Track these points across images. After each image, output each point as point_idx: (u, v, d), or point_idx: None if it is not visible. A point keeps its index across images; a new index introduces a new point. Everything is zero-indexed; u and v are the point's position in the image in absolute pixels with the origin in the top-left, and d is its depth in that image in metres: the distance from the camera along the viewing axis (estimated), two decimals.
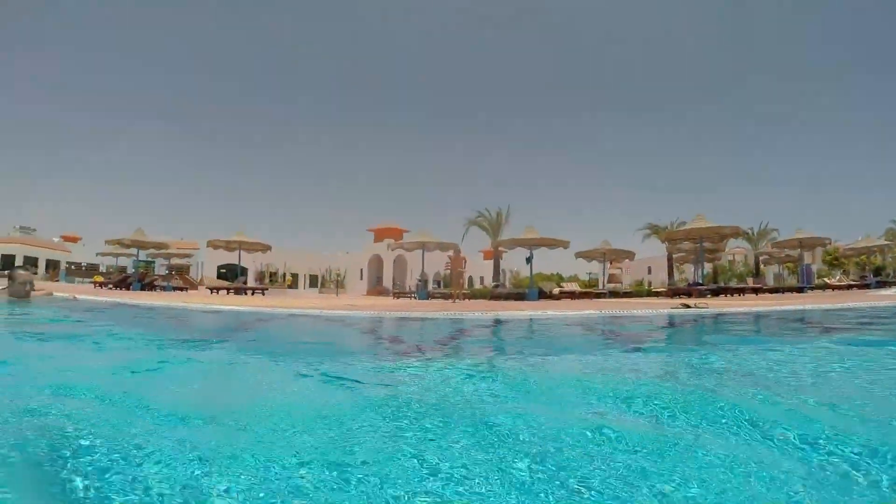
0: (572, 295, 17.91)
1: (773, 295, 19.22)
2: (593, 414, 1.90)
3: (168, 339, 5.11)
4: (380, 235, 35.42)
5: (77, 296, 10.32)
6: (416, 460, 1.31)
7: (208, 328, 6.78)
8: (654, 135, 52.41)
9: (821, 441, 1.46)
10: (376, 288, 30.45)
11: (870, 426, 1.69)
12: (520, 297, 17.19)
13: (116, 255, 29.50)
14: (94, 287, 22.88)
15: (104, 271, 34.48)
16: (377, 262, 35.96)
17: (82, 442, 1.40)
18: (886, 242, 25.29)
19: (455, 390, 2.37)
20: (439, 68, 53.17)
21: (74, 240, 40.24)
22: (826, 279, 23.37)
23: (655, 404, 1.99)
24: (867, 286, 21.18)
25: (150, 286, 21.52)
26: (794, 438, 1.47)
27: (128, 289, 20.45)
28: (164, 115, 51.86)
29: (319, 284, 34.53)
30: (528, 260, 17.06)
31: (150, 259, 30.13)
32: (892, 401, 2.16)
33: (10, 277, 7.09)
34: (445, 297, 17.80)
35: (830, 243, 22.61)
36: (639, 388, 2.46)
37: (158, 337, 5.24)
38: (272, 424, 1.64)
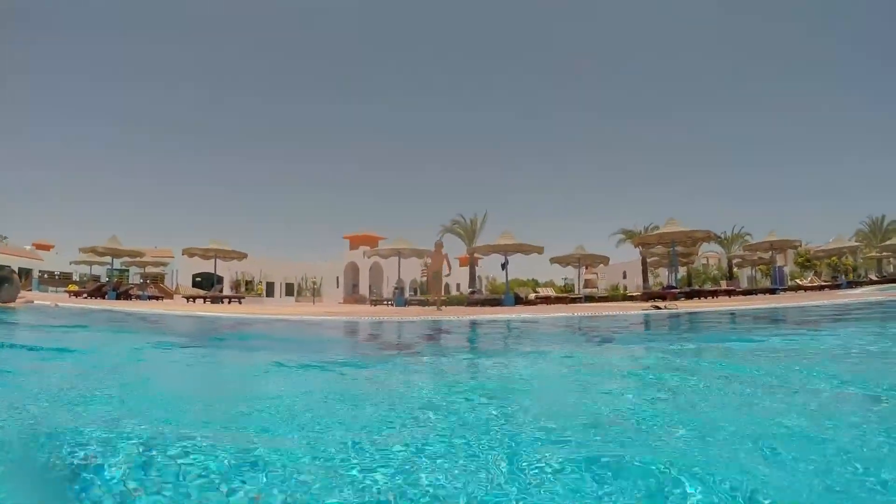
0: (548, 300, 18.01)
1: (746, 297, 19.54)
2: None
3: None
4: (355, 243, 35.12)
5: (58, 304, 10.11)
6: None
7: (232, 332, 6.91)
8: (628, 139, 53.08)
9: None
10: (353, 296, 30.19)
11: None
12: (496, 302, 17.23)
13: (90, 264, 28.81)
14: (70, 296, 22.28)
15: (77, 280, 33.67)
16: (353, 270, 35.61)
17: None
18: (856, 243, 25.93)
19: None
20: (414, 75, 53.25)
21: (47, 248, 39.24)
22: (798, 280, 23.86)
23: None
24: (838, 286, 21.71)
25: (125, 295, 21.09)
26: None
27: (103, 298, 19.99)
28: (136, 121, 51.05)
29: (296, 293, 34.05)
30: (504, 266, 17.10)
31: (124, 268, 29.52)
32: None
33: (6, 280, 6.69)
34: (423, 303, 17.74)
35: (801, 245, 23.10)
36: None
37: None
38: None
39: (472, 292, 19.29)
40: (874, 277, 25.17)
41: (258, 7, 45.64)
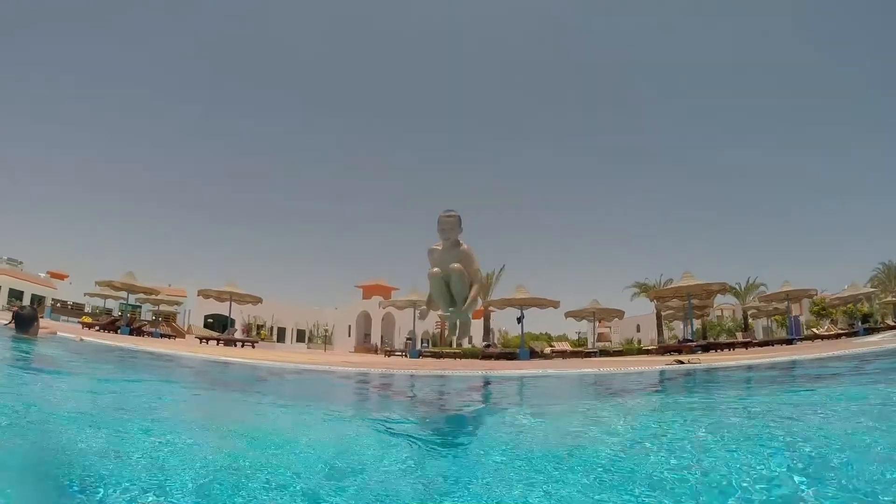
0: (563, 354, 17.88)
1: (763, 348, 19.29)
2: None
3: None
4: (368, 292, 35.33)
5: (83, 338, 10.00)
6: None
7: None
8: (641, 193, 53.38)
9: None
10: (364, 345, 30.19)
11: None
12: (511, 356, 17.11)
13: (104, 297, 29.06)
14: (83, 328, 22.41)
15: (89, 312, 33.89)
16: (365, 319, 35.79)
17: None
18: (872, 290, 25.65)
19: None
20: (426, 128, 54.32)
21: (62, 277, 39.68)
22: (815, 329, 23.54)
23: None
24: (855, 334, 21.38)
25: (138, 331, 21.18)
26: None
27: (115, 332, 20.07)
28: (156, 160, 52.34)
29: (307, 339, 34.02)
30: (520, 319, 17.06)
31: (137, 304, 29.75)
32: None
33: (29, 319, 6.52)
34: (436, 356, 17.66)
35: (817, 294, 22.90)
36: None
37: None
38: None
39: (487, 346, 19.21)
40: (891, 323, 24.80)
41: (286, 45, 47.05)
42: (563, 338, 24.95)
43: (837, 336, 21.58)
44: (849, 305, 26.44)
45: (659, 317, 21.79)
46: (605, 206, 54.84)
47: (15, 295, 35.85)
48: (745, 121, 46.64)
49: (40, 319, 7.22)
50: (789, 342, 20.93)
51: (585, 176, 53.24)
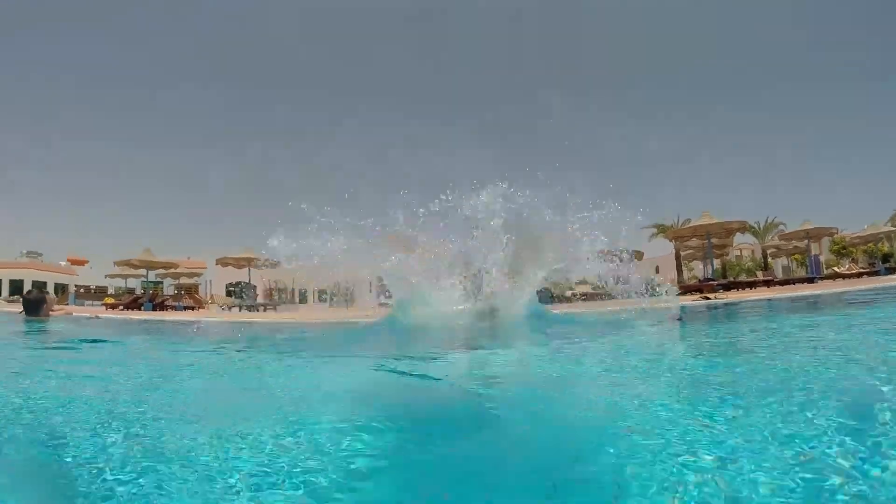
0: (586, 297, 17.99)
1: (785, 287, 19.27)
2: None
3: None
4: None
5: (98, 315, 10.35)
6: None
7: None
8: (656, 132, 52.16)
9: None
10: (387, 301, 30.26)
11: None
12: None
13: (125, 277, 29.62)
14: (106, 309, 22.90)
15: (112, 293, 34.57)
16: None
17: None
18: (892, 229, 25.30)
19: None
20: (433, 70, 53.41)
21: (81, 262, 40.39)
22: (835, 268, 23.37)
23: None
24: (877, 273, 21.23)
25: (161, 306, 21.60)
26: None
27: (139, 309, 20.50)
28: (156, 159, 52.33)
29: (329, 299, 34.35)
30: None
31: (158, 280, 30.26)
32: None
33: (37, 301, 6.52)
34: None
35: (837, 233, 22.63)
36: None
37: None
38: None
39: None
40: None
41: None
42: (584, 281, 24.86)
43: (859, 275, 21.42)
44: (869, 245, 26.13)
45: (678, 257, 21.67)
46: (620, 147, 53.83)
47: (38, 287, 36.63)
48: (763, 64, 45.05)
49: (54, 303, 7.13)
50: (810, 281, 20.83)
51: (600, 118, 52.05)
